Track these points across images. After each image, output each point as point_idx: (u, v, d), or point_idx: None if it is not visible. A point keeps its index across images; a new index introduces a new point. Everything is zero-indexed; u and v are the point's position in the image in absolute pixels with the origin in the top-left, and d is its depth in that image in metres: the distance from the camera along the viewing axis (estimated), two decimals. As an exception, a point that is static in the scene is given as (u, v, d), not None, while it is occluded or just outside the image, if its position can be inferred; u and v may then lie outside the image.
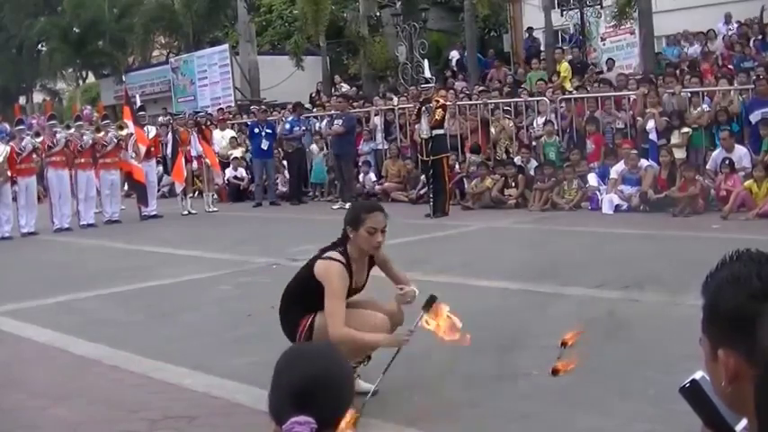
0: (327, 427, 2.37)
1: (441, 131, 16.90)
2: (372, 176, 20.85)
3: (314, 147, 22.15)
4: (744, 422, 1.66)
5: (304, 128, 22.13)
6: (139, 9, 42.82)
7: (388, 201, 19.76)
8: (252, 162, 22.61)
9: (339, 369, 2.49)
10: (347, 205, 20.61)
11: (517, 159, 18.43)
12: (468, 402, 5.92)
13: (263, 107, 24.96)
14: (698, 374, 1.74)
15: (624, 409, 5.60)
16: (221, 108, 28.76)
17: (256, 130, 21.95)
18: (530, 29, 29.55)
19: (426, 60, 19.75)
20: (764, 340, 1.55)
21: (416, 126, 17.90)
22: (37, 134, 19.21)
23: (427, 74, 18.22)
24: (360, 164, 21.25)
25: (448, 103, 18.56)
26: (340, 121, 19.91)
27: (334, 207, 18.95)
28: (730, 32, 24.36)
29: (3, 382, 7.22)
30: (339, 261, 5.91)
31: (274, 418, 2.37)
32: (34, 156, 18.65)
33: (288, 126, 21.69)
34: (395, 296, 6.11)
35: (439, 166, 16.64)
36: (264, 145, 21.65)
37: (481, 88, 22.35)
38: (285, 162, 22.16)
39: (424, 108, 16.67)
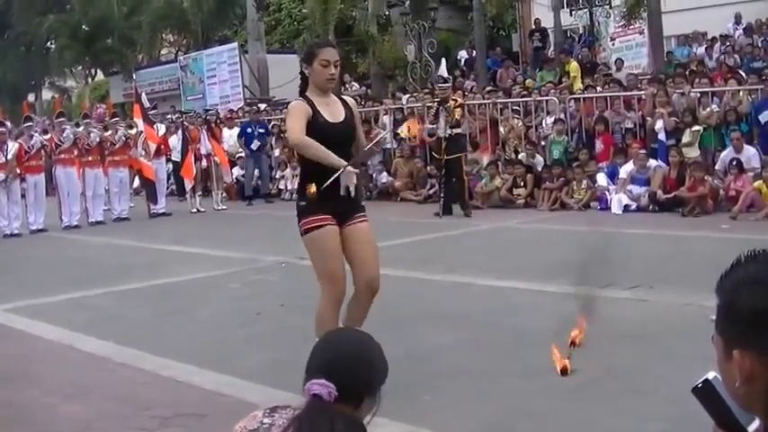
0: (351, 398, 2.50)
1: (459, 130, 16.89)
2: (385, 175, 20.79)
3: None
4: (756, 423, 1.66)
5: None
6: (148, 7, 42.87)
7: (397, 200, 19.78)
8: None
9: (369, 349, 2.66)
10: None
11: (522, 156, 18.42)
12: (479, 400, 5.92)
13: (254, 108, 25.22)
14: (710, 374, 1.74)
15: (637, 409, 5.60)
16: (231, 109, 28.75)
17: (249, 130, 22.56)
18: (537, 21, 29.50)
19: (443, 59, 19.64)
20: None
21: (425, 126, 17.83)
22: (45, 132, 19.26)
23: (444, 73, 18.09)
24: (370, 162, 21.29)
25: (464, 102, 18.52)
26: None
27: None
28: (738, 34, 24.36)
29: (16, 378, 7.25)
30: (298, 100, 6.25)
31: (305, 388, 2.49)
32: (42, 153, 18.72)
33: None
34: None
35: (456, 166, 16.57)
36: (255, 145, 22.29)
37: (489, 88, 22.35)
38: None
39: (441, 107, 16.63)
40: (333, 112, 6.18)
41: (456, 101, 17.06)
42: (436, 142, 16.99)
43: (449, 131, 16.41)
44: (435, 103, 17.50)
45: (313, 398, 2.42)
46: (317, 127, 6.02)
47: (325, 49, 6.13)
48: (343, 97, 6.50)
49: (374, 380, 2.62)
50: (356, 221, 6.22)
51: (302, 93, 6.26)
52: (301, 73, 6.26)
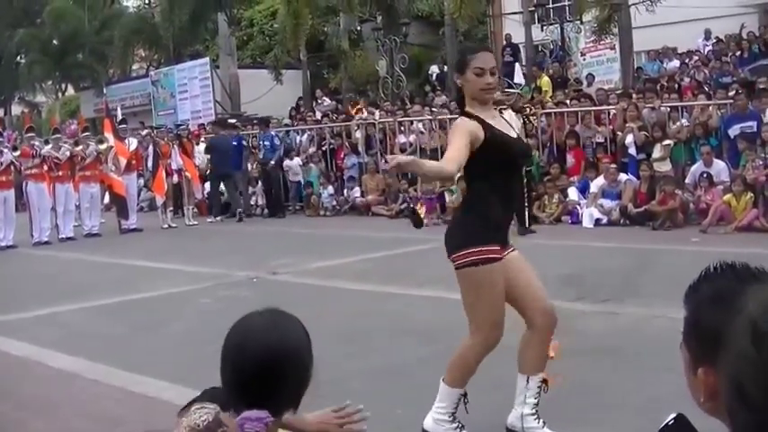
0: (287, 407, 2.35)
1: (531, 141, 15.36)
2: (357, 191, 20.77)
3: (296, 161, 22.12)
4: None
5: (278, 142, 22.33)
6: (119, 21, 42.67)
7: (369, 215, 19.77)
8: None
9: (292, 344, 2.42)
10: (218, 218, 21.41)
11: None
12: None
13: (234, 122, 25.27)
14: (673, 414, 1.73)
15: (608, 421, 5.62)
16: (202, 124, 28.68)
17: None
18: (508, 36, 29.67)
19: (517, 65, 18.99)
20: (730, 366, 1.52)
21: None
22: (14, 148, 19.12)
23: (518, 78, 16.80)
24: (344, 178, 21.31)
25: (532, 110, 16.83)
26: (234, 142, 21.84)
27: (209, 220, 21.17)
28: (707, 49, 24.57)
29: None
30: (463, 117, 5.24)
31: (232, 397, 2.32)
32: (12, 169, 18.60)
33: (267, 143, 21.80)
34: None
35: (525, 179, 15.13)
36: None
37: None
38: (262, 177, 22.17)
39: (523, 114, 15.19)
40: (502, 122, 5.39)
41: (531, 108, 15.81)
42: None
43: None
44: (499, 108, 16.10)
45: None
46: (496, 143, 5.16)
47: (479, 55, 5.22)
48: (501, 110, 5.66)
49: (305, 375, 2.42)
50: (511, 248, 5.50)
51: (463, 110, 5.33)
52: (457, 87, 5.44)
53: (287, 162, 21.95)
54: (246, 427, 2.23)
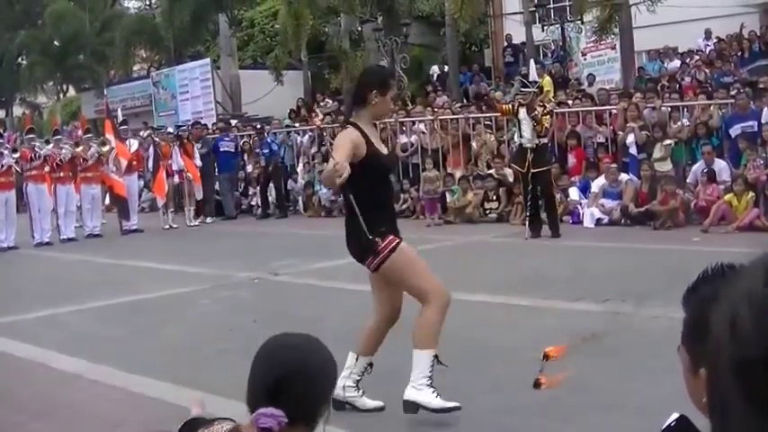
0: (302, 420, 2.40)
1: (545, 140, 15.33)
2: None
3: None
4: None
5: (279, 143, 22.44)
6: (120, 23, 42.64)
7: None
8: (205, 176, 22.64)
9: (317, 363, 2.51)
10: (208, 220, 21.44)
11: (492, 171, 18.43)
12: (449, 416, 5.91)
13: (222, 124, 25.29)
14: (675, 415, 1.73)
15: (608, 422, 5.61)
16: (197, 122, 28.63)
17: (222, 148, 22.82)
18: (509, 36, 29.69)
19: (532, 60, 19.06)
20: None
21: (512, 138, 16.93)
22: (14, 149, 19.12)
23: (533, 76, 16.66)
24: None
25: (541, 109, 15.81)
26: (199, 146, 22.00)
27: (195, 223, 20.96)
28: (709, 49, 24.54)
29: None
30: (351, 127, 5.92)
31: (249, 407, 2.39)
32: (13, 170, 18.60)
33: (266, 151, 21.90)
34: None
35: (544, 181, 15.03)
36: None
37: (460, 104, 22.39)
38: (263, 178, 22.20)
39: (531, 115, 14.81)
40: (378, 139, 6.20)
41: (544, 107, 15.42)
42: (519, 153, 15.45)
43: (536, 141, 14.84)
44: (519, 109, 15.31)
45: (262, 431, 2.31)
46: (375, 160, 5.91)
47: (394, 81, 6.06)
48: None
49: (324, 394, 2.52)
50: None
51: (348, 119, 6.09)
52: (360, 96, 6.00)
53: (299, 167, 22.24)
54: (261, 421, 2.30)
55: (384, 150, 6.11)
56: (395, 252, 5.83)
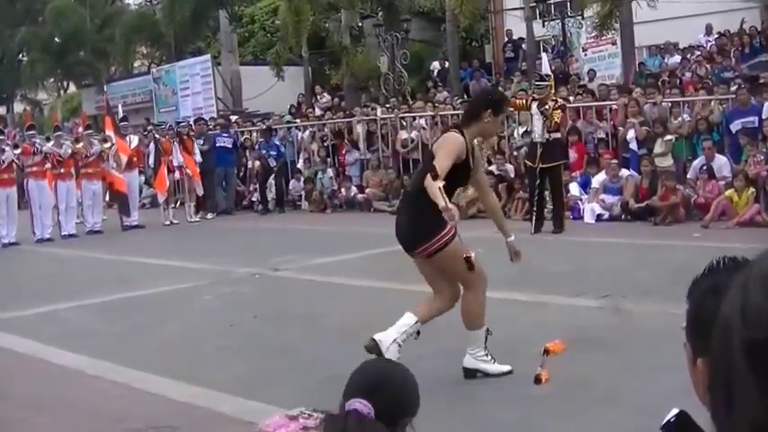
0: (385, 419, 2.70)
1: (557, 135, 15.18)
2: (354, 188, 20.80)
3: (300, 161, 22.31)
4: None
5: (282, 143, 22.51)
6: (121, 19, 42.61)
7: (370, 210, 19.76)
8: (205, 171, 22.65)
9: (405, 379, 2.94)
10: (209, 216, 21.39)
11: (493, 167, 18.41)
12: (451, 411, 5.92)
13: (221, 120, 25.32)
14: (674, 410, 1.73)
15: (608, 418, 5.62)
16: (200, 118, 28.65)
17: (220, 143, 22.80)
18: (509, 32, 29.68)
19: (545, 54, 18.98)
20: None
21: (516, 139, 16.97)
22: (15, 146, 19.12)
23: (546, 70, 16.63)
24: (345, 174, 21.41)
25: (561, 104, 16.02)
26: (201, 141, 22.09)
27: (196, 218, 20.99)
28: (709, 44, 24.55)
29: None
30: (459, 134, 6.60)
31: (344, 399, 2.69)
32: (14, 166, 18.60)
33: (274, 153, 21.93)
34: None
35: (554, 176, 14.97)
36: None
37: (461, 100, 22.38)
38: (262, 175, 22.22)
39: (540, 109, 14.83)
40: (474, 155, 6.87)
41: (556, 102, 15.30)
42: (530, 148, 15.47)
43: (546, 136, 14.73)
44: (532, 103, 15.22)
45: (351, 413, 2.60)
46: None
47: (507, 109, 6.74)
48: None
49: (411, 409, 2.90)
50: None
51: (458, 129, 6.74)
52: (473, 113, 6.80)
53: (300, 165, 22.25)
54: (356, 406, 2.60)
55: (474, 164, 6.81)
56: (452, 242, 6.52)
